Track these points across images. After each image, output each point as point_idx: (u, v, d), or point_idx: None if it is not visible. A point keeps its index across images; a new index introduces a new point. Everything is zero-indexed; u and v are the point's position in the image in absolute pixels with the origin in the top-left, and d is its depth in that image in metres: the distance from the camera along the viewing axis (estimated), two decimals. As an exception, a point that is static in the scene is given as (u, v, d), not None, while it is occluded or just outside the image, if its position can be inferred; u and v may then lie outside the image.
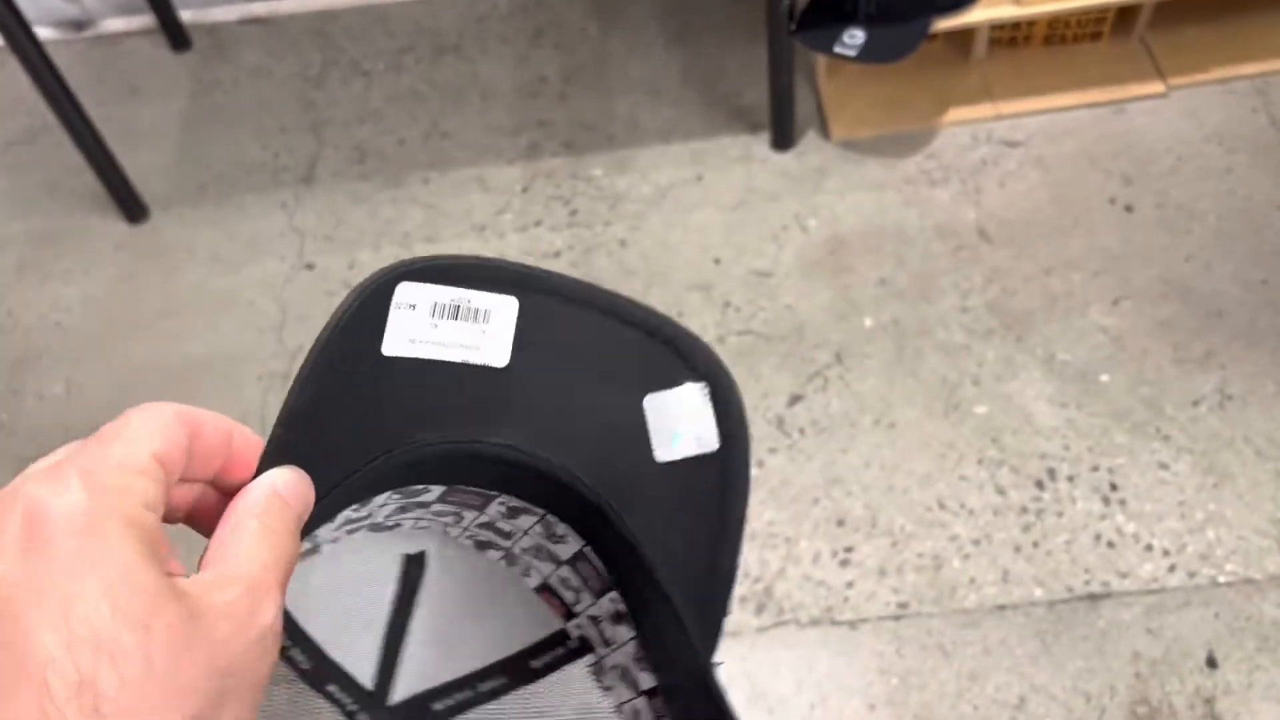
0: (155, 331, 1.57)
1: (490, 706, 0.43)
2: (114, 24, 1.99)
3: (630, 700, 0.40)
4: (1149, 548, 1.23)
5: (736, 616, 1.23)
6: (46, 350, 1.57)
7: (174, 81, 1.89)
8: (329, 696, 0.43)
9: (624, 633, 0.40)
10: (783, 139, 1.63)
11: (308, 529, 0.36)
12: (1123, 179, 1.55)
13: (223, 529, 0.30)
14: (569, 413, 0.37)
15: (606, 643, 0.41)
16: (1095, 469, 1.29)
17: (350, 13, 1.96)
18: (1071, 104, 1.63)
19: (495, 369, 0.37)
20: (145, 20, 1.95)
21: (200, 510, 0.32)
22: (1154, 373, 1.36)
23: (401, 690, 0.44)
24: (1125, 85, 1.63)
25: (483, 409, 0.37)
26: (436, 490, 0.39)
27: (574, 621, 0.42)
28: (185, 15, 1.94)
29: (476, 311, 0.37)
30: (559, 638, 0.42)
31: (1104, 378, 1.36)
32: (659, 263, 1.54)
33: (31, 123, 1.81)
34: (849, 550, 1.26)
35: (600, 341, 0.37)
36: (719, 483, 0.37)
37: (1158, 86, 1.63)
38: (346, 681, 0.43)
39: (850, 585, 1.24)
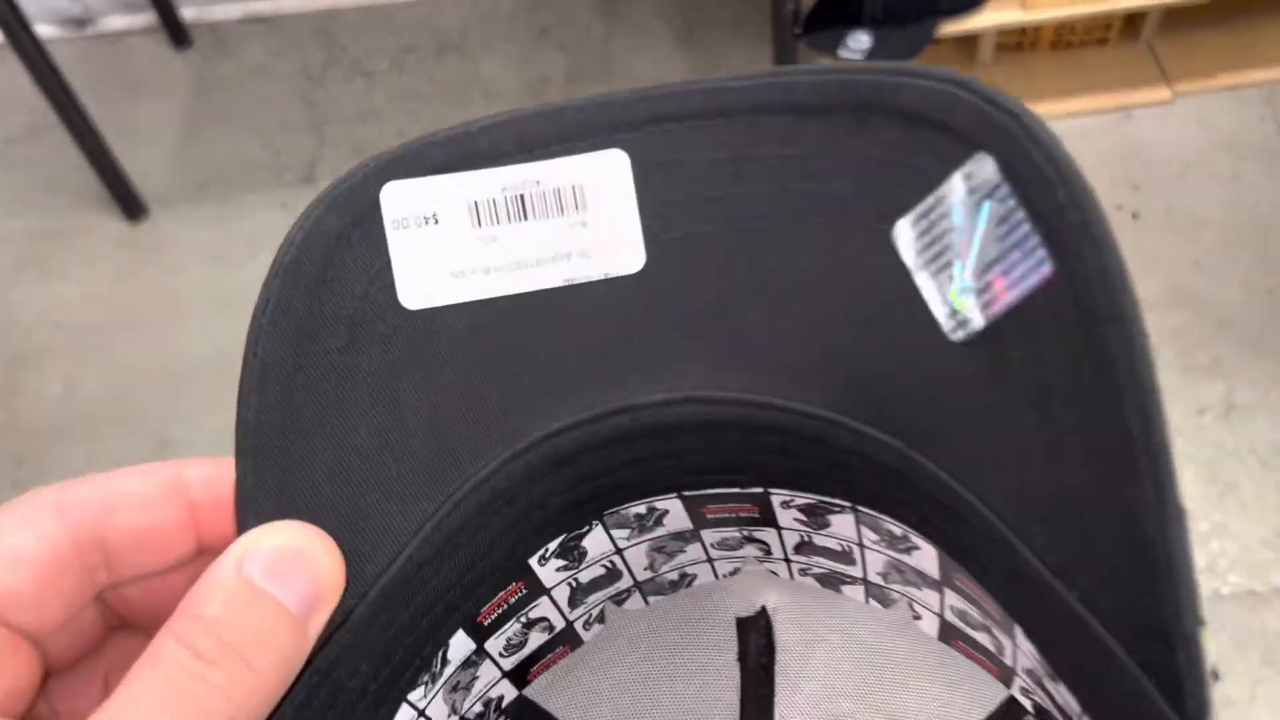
0: (155, 330, 1.56)
1: None
2: (115, 22, 1.98)
3: None
4: (1153, 559, 1.23)
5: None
6: (45, 348, 1.56)
7: (175, 79, 1.89)
8: None
9: (1064, 689, 0.22)
10: (787, 142, 1.62)
11: (438, 607, 0.22)
12: (1129, 185, 1.54)
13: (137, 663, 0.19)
14: (780, 312, 0.22)
15: (1059, 709, 0.24)
16: (1099, 478, 1.28)
17: (353, 11, 1.95)
18: (1078, 109, 1.62)
19: (627, 278, 0.22)
20: (147, 18, 1.94)
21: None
22: (1159, 381, 1.35)
23: None
24: (1132, 91, 1.62)
25: (634, 348, 0.22)
26: (675, 503, 0.25)
27: (1017, 683, 0.26)
28: (187, 13, 1.93)
29: (558, 193, 0.22)
30: (1010, 711, 0.26)
31: (1109, 386, 1.35)
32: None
33: (31, 120, 1.81)
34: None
35: (790, 168, 0.21)
36: (1080, 338, 0.20)
37: (1165, 93, 1.62)
38: None
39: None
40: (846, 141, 0.21)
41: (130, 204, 1.66)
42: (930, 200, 0.20)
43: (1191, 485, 1.27)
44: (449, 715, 0.25)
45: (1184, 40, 1.65)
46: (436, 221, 0.22)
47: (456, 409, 0.22)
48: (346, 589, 0.20)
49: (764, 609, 0.29)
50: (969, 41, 1.66)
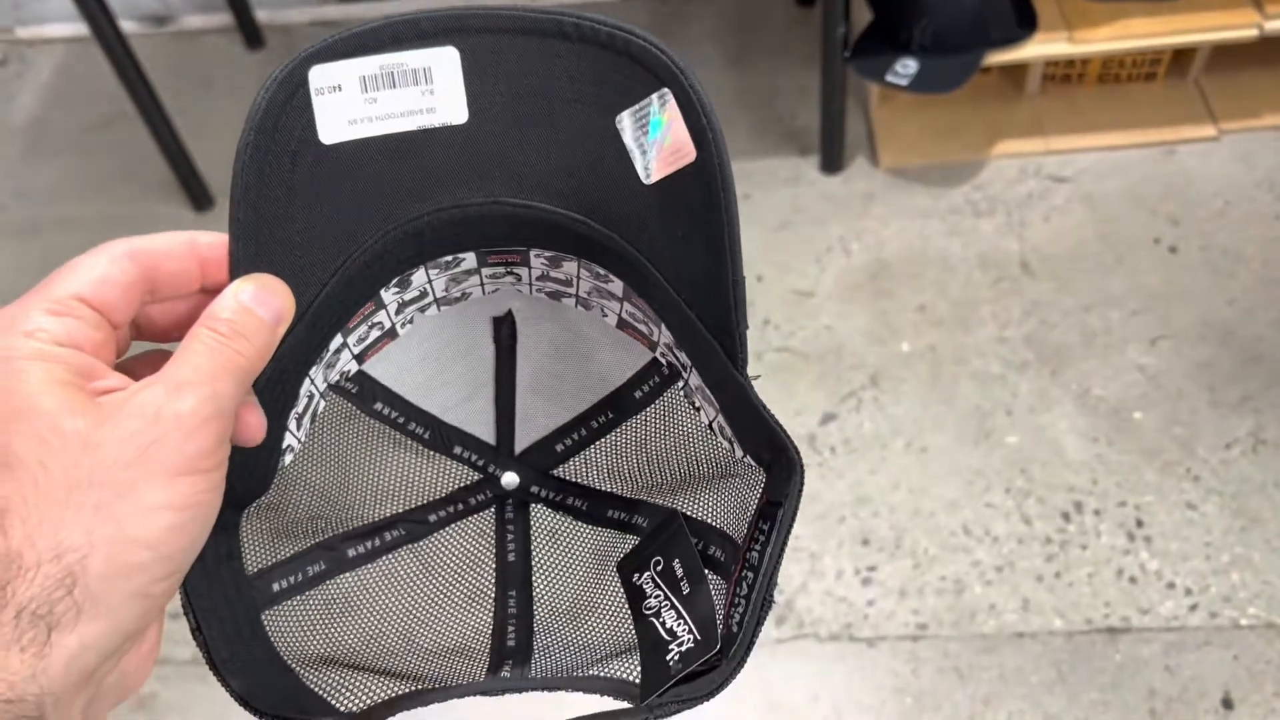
0: (214, 316, 1.63)
1: (605, 441, 0.46)
2: (193, 21, 2.06)
3: (715, 417, 0.41)
4: (1171, 585, 1.24)
5: (757, 627, 1.25)
6: (110, 328, 1.63)
7: (247, 78, 1.96)
8: (457, 457, 0.45)
9: (685, 357, 0.41)
10: (832, 163, 1.66)
11: (335, 320, 0.37)
12: (1169, 220, 1.55)
13: (184, 341, 0.32)
14: (547, 152, 0.36)
15: (684, 366, 0.42)
16: (1122, 505, 1.30)
17: (419, 20, 2.02)
18: (1122, 143, 1.64)
19: (457, 126, 0.35)
20: (223, 18, 2.02)
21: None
22: (1188, 414, 1.37)
23: (522, 439, 0.47)
24: (1177, 127, 1.64)
25: (459, 169, 0.36)
26: (470, 256, 0.40)
27: (659, 350, 0.43)
28: (261, 15, 2.01)
29: (415, 73, 0.35)
30: (652, 367, 0.44)
31: (1137, 415, 1.37)
32: (703, 277, 1.57)
33: (110, 110, 1.89)
34: (872, 569, 1.28)
35: (557, 69, 0.35)
36: (705, 193, 0.35)
37: (1210, 130, 1.63)
38: (469, 440, 0.46)
39: (871, 603, 1.26)
40: (594, 62, 0.35)
41: (198, 194, 1.74)
42: (638, 107, 0.35)
43: (1216, 517, 1.28)
44: (323, 383, 0.40)
45: (1231, 79, 1.66)
46: (340, 90, 0.34)
47: (354, 206, 0.36)
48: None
49: (510, 311, 0.45)
50: (1016, 72, 1.68)
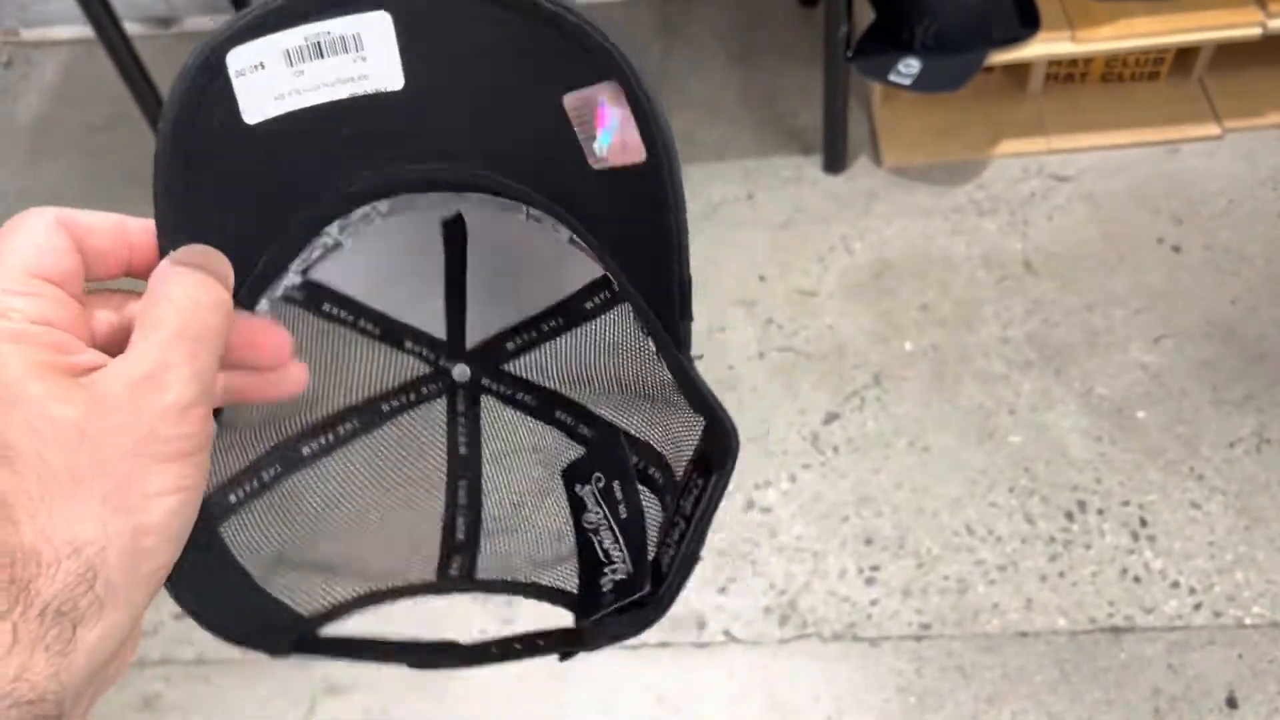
0: (218, 317, 1.63)
1: (555, 344, 0.47)
2: (198, 22, 2.07)
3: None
4: (1175, 585, 1.24)
5: (759, 627, 1.25)
6: (115, 329, 1.63)
7: (250, 79, 1.97)
8: (409, 351, 0.46)
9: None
10: (834, 162, 1.66)
11: (271, 276, 0.37)
12: (1172, 219, 1.55)
13: (143, 322, 0.31)
14: (488, 121, 0.35)
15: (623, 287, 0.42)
16: (1126, 504, 1.30)
17: (422, 20, 2.02)
18: (1125, 142, 1.64)
19: (392, 93, 0.34)
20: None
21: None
22: (1191, 412, 1.37)
23: (473, 336, 0.47)
24: (1180, 126, 1.64)
25: (395, 136, 0.35)
26: (426, 195, 0.39)
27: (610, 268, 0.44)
28: (265, 16, 2.01)
29: (343, 40, 0.33)
30: (604, 282, 0.44)
31: (1140, 414, 1.37)
32: (705, 277, 1.57)
33: (114, 111, 1.89)
34: (875, 569, 1.28)
35: (497, 37, 0.33)
36: (654, 193, 0.35)
37: (1213, 129, 1.63)
38: (420, 336, 0.46)
39: (874, 603, 1.26)
40: (533, 36, 0.33)
41: (202, 195, 1.74)
42: (585, 92, 0.34)
43: (1220, 516, 1.28)
44: (267, 302, 0.40)
45: (1235, 78, 1.66)
46: (264, 67, 0.33)
47: (287, 181, 0.35)
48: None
49: (459, 213, 0.44)
50: (1019, 71, 1.68)
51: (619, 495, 0.42)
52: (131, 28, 1.98)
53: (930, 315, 1.49)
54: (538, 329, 0.47)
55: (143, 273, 0.33)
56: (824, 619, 1.25)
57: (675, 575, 0.37)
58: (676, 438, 0.41)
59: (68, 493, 0.27)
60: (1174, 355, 1.42)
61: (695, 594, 1.28)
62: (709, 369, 1.47)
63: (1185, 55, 1.65)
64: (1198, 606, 1.22)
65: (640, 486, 0.42)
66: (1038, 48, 1.53)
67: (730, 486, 0.38)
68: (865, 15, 1.57)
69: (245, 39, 0.33)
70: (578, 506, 0.43)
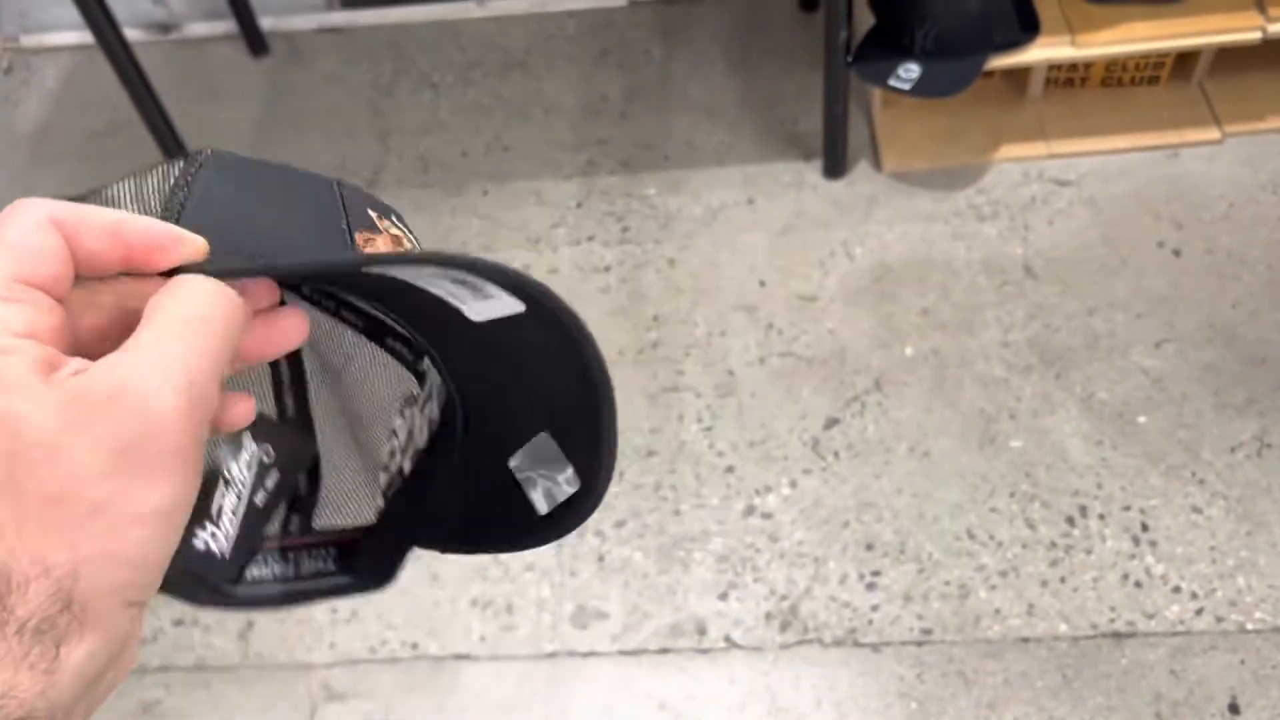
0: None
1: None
2: (198, 28, 2.07)
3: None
4: (1177, 590, 1.24)
5: (760, 633, 1.25)
6: (115, 335, 1.63)
7: (251, 85, 1.97)
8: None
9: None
10: (835, 167, 1.66)
11: None
12: (1173, 223, 1.55)
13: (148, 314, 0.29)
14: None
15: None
16: (1127, 509, 1.30)
17: (424, 26, 2.03)
18: (1125, 146, 1.64)
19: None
20: (227, 26, 2.03)
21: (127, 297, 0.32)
22: (1193, 417, 1.36)
23: None
24: (1181, 130, 1.64)
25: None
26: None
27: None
28: (265, 22, 2.01)
29: None
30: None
31: (1142, 419, 1.37)
32: (706, 282, 1.57)
33: (115, 117, 1.90)
34: (876, 574, 1.28)
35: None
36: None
37: (1214, 133, 1.63)
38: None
39: (875, 608, 1.26)
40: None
41: (202, 201, 1.74)
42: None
43: (1221, 521, 1.28)
44: None
45: (1235, 82, 1.66)
46: None
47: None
48: None
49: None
50: (1019, 76, 1.68)
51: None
52: (132, 34, 1.98)
53: (931, 320, 1.49)
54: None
55: (142, 271, 0.32)
56: (825, 624, 1.25)
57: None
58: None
59: (35, 514, 0.26)
60: (1175, 359, 1.41)
61: (696, 599, 1.28)
62: (709, 373, 1.47)
63: (1185, 59, 1.65)
64: (1199, 611, 1.22)
65: None
66: (1037, 52, 1.53)
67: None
68: (865, 20, 1.58)
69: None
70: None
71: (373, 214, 0.39)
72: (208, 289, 0.30)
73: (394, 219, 0.40)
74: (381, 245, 0.38)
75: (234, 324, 0.30)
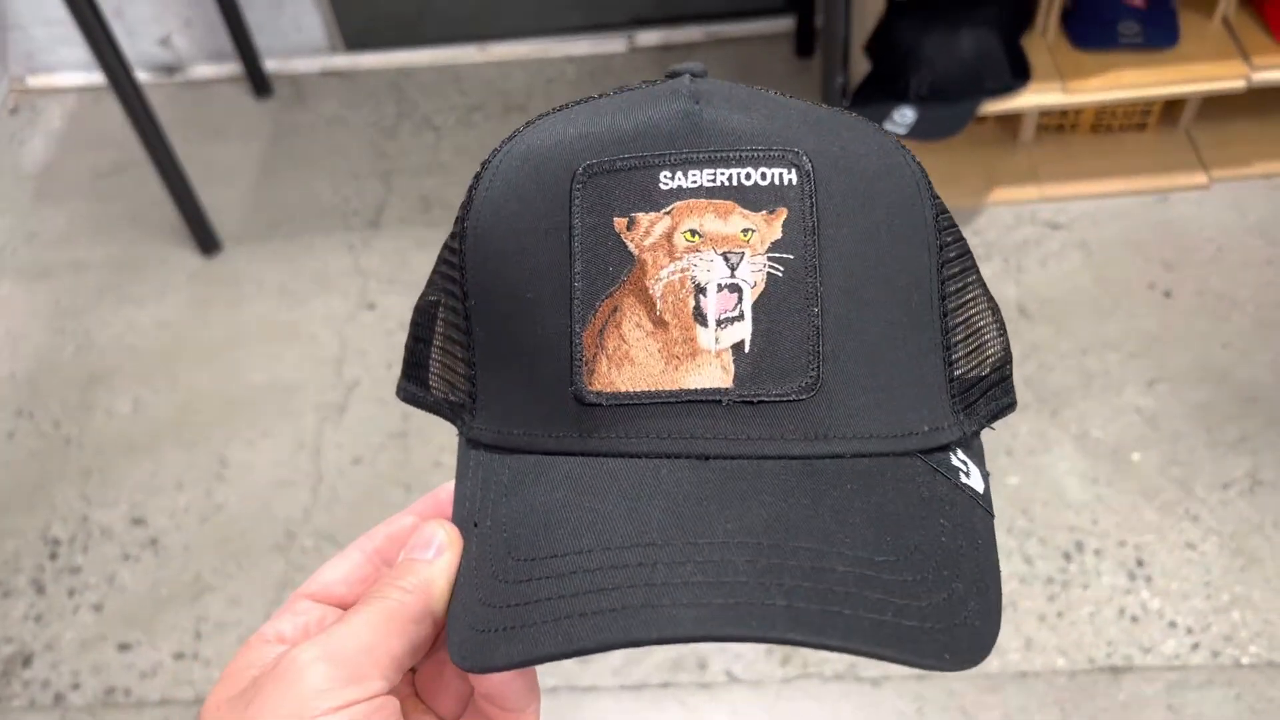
0: (221, 358, 1.64)
1: None
2: (203, 70, 2.10)
3: None
4: (1173, 624, 1.25)
5: (761, 667, 1.26)
6: (118, 369, 1.65)
7: (255, 126, 2.00)
8: None
9: None
10: (831, 209, 1.69)
11: None
12: (1164, 265, 1.58)
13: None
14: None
15: None
16: (1123, 544, 1.31)
17: (426, 70, 2.06)
18: (1115, 190, 1.67)
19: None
20: (232, 68, 2.06)
21: None
22: (1186, 454, 1.38)
23: None
24: (1169, 175, 1.67)
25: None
26: None
27: None
28: (269, 65, 2.05)
29: None
30: None
31: (1135, 456, 1.39)
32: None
33: (121, 157, 1.92)
34: (875, 609, 1.29)
35: None
36: None
37: (1201, 178, 1.67)
38: None
39: (875, 643, 1.26)
40: None
41: (206, 239, 1.76)
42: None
43: (1215, 557, 1.29)
44: None
45: (1221, 129, 1.70)
46: None
47: None
48: None
49: None
50: (1011, 121, 1.72)
51: None
52: (138, 76, 2.02)
53: (927, 358, 1.51)
54: None
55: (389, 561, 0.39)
56: (826, 659, 1.26)
57: None
58: None
59: None
60: (1168, 398, 1.44)
61: (697, 634, 1.29)
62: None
63: (1172, 106, 1.69)
64: (1195, 646, 1.23)
65: None
66: (1029, 98, 1.57)
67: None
68: (860, 66, 1.61)
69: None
70: None
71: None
72: (403, 555, 0.38)
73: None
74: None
75: (420, 573, 0.36)
